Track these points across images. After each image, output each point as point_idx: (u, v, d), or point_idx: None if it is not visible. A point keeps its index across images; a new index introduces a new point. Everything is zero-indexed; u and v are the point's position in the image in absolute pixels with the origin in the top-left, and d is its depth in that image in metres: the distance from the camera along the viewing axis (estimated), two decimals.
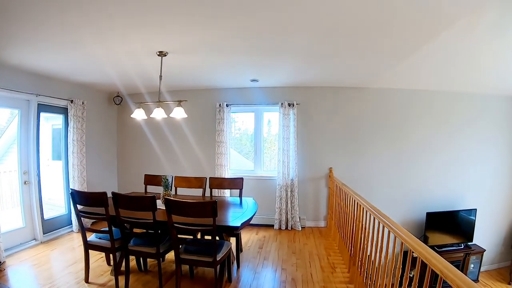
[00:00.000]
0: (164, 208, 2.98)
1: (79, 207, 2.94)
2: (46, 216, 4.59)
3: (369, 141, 5.34)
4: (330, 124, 5.35)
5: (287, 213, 5.16)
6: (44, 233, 4.46)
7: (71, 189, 2.88)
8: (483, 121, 5.37)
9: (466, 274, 4.49)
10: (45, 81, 4.38)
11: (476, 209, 5.28)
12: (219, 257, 2.61)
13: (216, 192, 4.86)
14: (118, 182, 5.97)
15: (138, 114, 3.55)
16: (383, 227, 2.41)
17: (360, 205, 3.22)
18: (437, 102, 5.33)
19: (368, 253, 2.87)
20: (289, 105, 5.16)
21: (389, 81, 4.89)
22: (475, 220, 5.26)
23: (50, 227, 4.65)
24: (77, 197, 2.83)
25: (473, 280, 1.76)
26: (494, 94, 5.30)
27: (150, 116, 3.46)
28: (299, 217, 5.19)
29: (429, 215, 5.14)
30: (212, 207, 2.33)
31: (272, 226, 5.22)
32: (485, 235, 5.42)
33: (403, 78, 4.69)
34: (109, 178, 5.82)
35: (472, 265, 5.31)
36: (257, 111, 5.56)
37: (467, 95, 5.32)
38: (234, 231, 2.60)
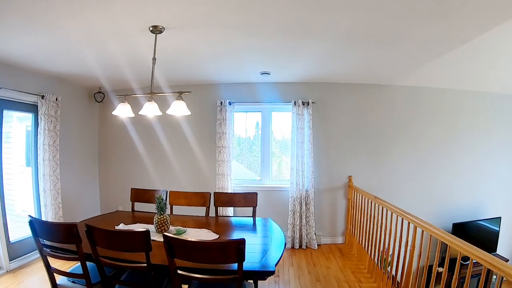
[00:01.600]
0: (159, 239, 2.20)
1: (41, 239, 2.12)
2: (13, 238, 3.68)
3: (390, 146, 4.70)
4: (349, 126, 4.66)
5: (301, 230, 4.42)
6: (10, 260, 3.55)
7: (29, 216, 2.06)
8: (508, 124, 4.88)
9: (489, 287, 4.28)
10: (9, 70, 3.52)
11: (500, 218, 4.85)
12: None
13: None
14: (101, 197, 5.04)
15: (122, 110, 2.67)
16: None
17: (415, 227, 2.60)
18: (463, 103, 4.79)
19: None
20: (303, 103, 4.43)
21: (417, 79, 4.29)
22: (499, 229, 4.84)
23: (19, 252, 3.73)
24: (38, 228, 2.02)
25: None
26: None
27: (139, 113, 2.58)
28: (315, 234, 4.45)
29: (456, 225, 4.62)
30: (238, 250, 1.57)
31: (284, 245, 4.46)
32: (508, 244, 4.97)
33: (435, 76, 4.14)
34: (89, 192, 4.89)
35: (494, 276, 4.80)
36: (264, 111, 4.80)
37: (493, 95, 4.81)
38: (266, 277, 1.84)
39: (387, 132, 4.68)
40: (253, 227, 2.84)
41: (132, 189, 3.36)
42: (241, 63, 3.64)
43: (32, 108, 3.98)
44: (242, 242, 1.57)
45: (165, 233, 1.65)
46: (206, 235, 2.38)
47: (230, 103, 4.56)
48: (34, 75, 3.86)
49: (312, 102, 4.45)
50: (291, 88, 4.57)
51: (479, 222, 4.80)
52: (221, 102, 4.55)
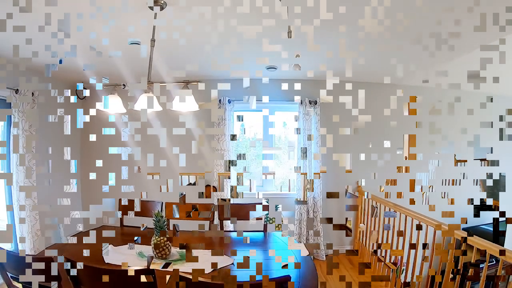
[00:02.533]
0: (159, 266, 1.78)
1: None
2: None
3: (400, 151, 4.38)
4: (356, 127, 4.31)
5: (307, 240, 4.05)
6: None
7: None
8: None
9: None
10: None
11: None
12: None
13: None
14: (83, 207, 4.46)
15: (111, 105, 2.23)
16: None
17: (453, 238, 2.27)
18: (470, 104, 4.52)
19: None
20: (310, 102, 4.06)
21: (436, 79, 4.00)
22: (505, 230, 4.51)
23: None
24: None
25: None
26: None
27: (135, 108, 2.12)
28: (323, 244, 4.10)
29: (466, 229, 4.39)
30: None
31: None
32: None
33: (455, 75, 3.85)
34: (70, 201, 4.32)
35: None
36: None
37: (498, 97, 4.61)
38: None
39: (392, 134, 4.39)
40: (268, 245, 2.44)
41: (120, 199, 2.89)
42: (245, 54, 3.23)
43: (4, 105, 3.47)
44: (287, 280, 1.18)
45: (181, 273, 1.22)
46: (219, 260, 1.96)
47: (229, 101, 4.14)
48: (6, 64, 3.32)
49: (321, 102, 4.08)
50: (295, 85, 4.18)
51: (483, 226, 4.53)
52: (220, 100, 4.12)
